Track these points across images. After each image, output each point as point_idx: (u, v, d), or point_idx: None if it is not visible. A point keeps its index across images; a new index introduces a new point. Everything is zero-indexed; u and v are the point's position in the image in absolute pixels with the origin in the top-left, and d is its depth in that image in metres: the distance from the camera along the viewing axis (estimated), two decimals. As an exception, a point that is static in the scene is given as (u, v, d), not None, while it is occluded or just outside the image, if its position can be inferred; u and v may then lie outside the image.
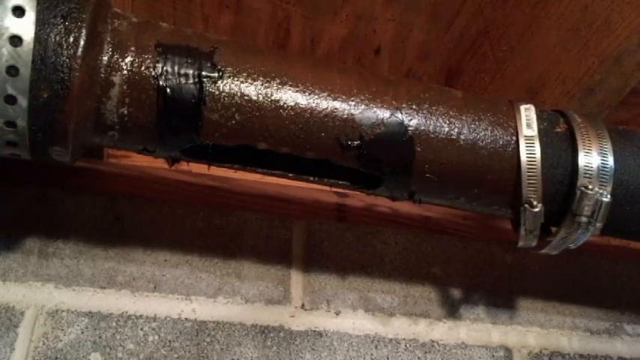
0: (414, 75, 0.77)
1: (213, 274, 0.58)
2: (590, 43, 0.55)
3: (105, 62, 0.39)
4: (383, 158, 0.44)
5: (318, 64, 0.45)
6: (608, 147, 0.46)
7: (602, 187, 0.45)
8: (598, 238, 0.70)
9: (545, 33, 0.60)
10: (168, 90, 0.40)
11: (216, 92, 0.41)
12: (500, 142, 0.46)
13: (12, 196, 0.56)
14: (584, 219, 0.45)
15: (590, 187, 0.45)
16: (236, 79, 0.41)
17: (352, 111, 0.43)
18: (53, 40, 0.36)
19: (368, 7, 0.68)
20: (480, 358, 0.62)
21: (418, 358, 0.60)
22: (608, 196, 0.45)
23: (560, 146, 0.47)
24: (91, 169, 0.59)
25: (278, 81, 0.42)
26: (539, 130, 0.46)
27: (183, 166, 0.59)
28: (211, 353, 0.54)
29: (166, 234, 0.58)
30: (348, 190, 0.54)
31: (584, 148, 0.46)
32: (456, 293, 0.65)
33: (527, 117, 0.47)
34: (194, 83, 0.40)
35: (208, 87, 0.41)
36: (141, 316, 0.54)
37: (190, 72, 0.40)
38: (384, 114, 0.44)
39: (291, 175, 0.46)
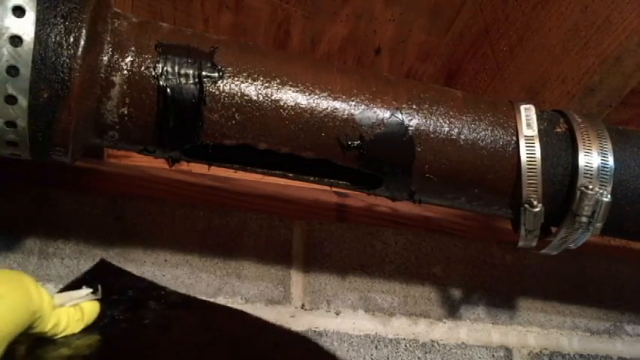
0: (414, 75, 0.77)
1: (213, 274, 0.58)
2: (590, 43, 0.55)
3: (105, 62, 0.39)
4: (383, 158, 0.44)
5: (318, 64, 0.45)
6: (609, 147, 0.46)
7: (602, 187, 0.45)
8: (598, 238, 0.70)
9: (545, 33, 0.60)
10: (168, 90, 0.40)
11: (217, 92, 0.41)
12: (501, 142, 0.46)
13: (12, 196, 0.56)
14: (584, 219, 0.45)
15: (590, 187, 0.45)
16: (236, 79, 0.41)
17: (352, 111, 0.43)
18: (53, 40, 0.36)
19: (368, 7, 0.68)
20: (479, 358, 0.62)
21: (418, 358, 0.60)
22: (608, 196, 0.45)
23: (560, 146, 0.47)
24: (91, 169, 0.59)
25: (278, 81, 0.42)
26: (540, 130, 0.46)
27: (184, 166, 0.59)
28: (211, 353, 0.54)
29: (166, 234, 0.58)
30: (348, 190, 0.54)
31: (584, 148, 0.46)
32: (456, 293, 0.65)
33: (528, 117, 0.47)
34: (194, 83, 0.40)
35: (208, 87, 0.41)
36: (141, 316, 0.54)
37: (190, 72, 0.40)
38: (384, 114, 0.44)
39: (291, 175, 0.46)
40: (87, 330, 0.42)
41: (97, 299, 0.43)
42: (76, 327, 0.41)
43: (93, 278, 0.44)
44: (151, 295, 0.46)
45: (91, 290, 0.43)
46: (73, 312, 0.41)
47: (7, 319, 0.33)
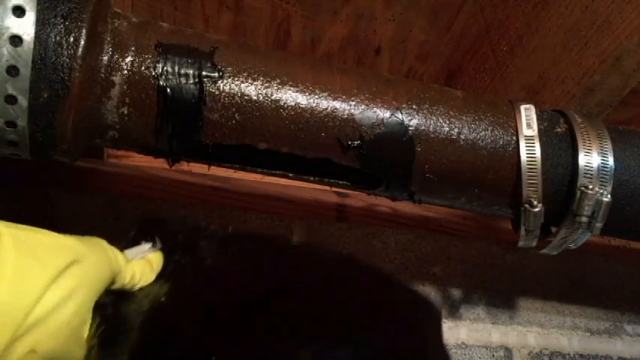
0: (414, 75, 0.77)
1: (214, 274, 0.58)
2: (590, 43, 0.55)
3: (105, 62, 0.39)
4: (383, 158, 0.44)
5: (318, 64, 0.45)
6: (609, 147, 0.46)
7: (603, 187, 0.45)
8: (598, 238, 0.70)
9: (545, 33, 0.60)
10: (168, 90, 0.40)
11: (217, 92, 0.41)
12: (501, 142, 0.46)
13: (12, 196, 0.56)
14: (584, 219, 0.45)
15: (590, 187, 0.45)
16: (236, 79, 0.41)
17: (352, 111, 0.43)
18: (53, 40, 0.36)
19: (368, 7, 0.68)
20: (480, 358, 0.62)
21: (418, 358, 0.60)
22: (609, 196, 0.45)
23: (560, 146, 0.47)
24: (91, 169, 0.59)
25: (278, 81, 0.42)
26: (540, 130, 0.46)
27: (184, 166, 0.59)
28: (211, 353, 0.54)
29: (166, 234, 0.58)
30: (348, 190, 0.54)
31: (584, 148, 0.46)
32: (456, 293, 0.65)
33: (528, 117, 0.47)
34: (194, 83, 0.40)
35: (208, 87, 0.41)
36: (141, 316, 0.54)
37: (190, 72, 0.40)
38: (384, 114, 0.44)
39: (291, 175, 0.46)
40: (158, 279, 0.45)
41: (159, 249, 0.47)
42: (149, 278, 0.44)
43: (144, 234, 0.47)
44: (198, 235, 0.49)
45: (150, 244, 0.46)
46: (142, 264, 0.44)
47: (91, 276, 0.36)
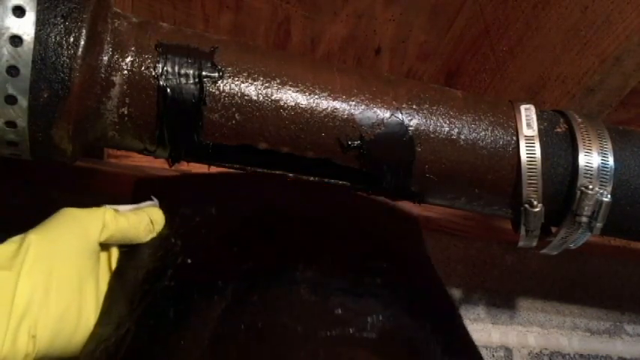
0: (414, 75, 0.78)
1: (214, 274, 0.58)
2: (590, 43, 0.55)
3: (105, 62, 0.39)
4: (383, 158, 0.44)
5: (318, 64, 0.45)
6: (609, 147, 0.46)
7: (603, 187, 0.45)
8: (598, 238, 0.70)
9: (545, 33, 0.60)
10: (168, 90, 0.40)
11: (217, 92, 0.41)
12: (501, 142, 0.46)
13: (12, 196, 0.56)
14: (584, 219, 0.45)
15: (590, 187, 0.45)
16: (236, 79, 0.41)
17: (352, 111, 0.43)
18: (53, 40, 0.36)
19: (368, 7, 0.68)
20: (480, 358, 0.62)
21: (418, 358, 0.60)
22: (609, 196, 0.45)
23: (560, 146, 0.47)
24: (91, 169, 0.59)
25: (278, 81, 0.42)
26: (540, 130, 0.46)
27: (183, 166, 0.59)
28: (211, 353, 0.54)
29: (166, 234, 0.58)
30: (348, 190, 0.54)
31: (584, 148, 0.46)
32: (456, 293, 0.65)
33: (528, 117, 0.47)
34: (194, 83, 0.40)
35: (208, 87, 0.41)
36: (141, 316, 0.54)
37: (191, 72, 0.40)
38: (384, 114, 0.44)
39: (291, 175, 0.46)
40: (169, 234, 0.44)
41: (157, 207, 0.46)
42: (149, 232, 0.44)
43: (141, 198, 0.47)
44: (195, 188, 0.49)
45: (148, 203, 0.46)
46: (140, 214, 0.44)
47: (57, 247, 0.38)
